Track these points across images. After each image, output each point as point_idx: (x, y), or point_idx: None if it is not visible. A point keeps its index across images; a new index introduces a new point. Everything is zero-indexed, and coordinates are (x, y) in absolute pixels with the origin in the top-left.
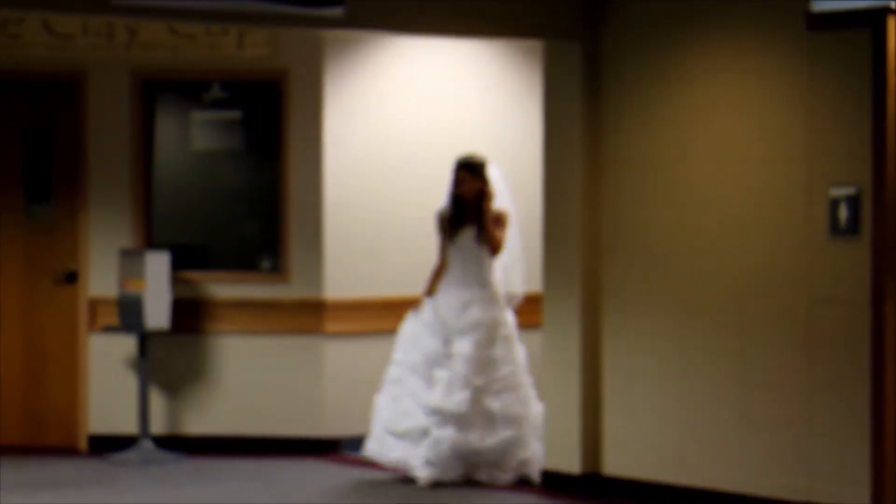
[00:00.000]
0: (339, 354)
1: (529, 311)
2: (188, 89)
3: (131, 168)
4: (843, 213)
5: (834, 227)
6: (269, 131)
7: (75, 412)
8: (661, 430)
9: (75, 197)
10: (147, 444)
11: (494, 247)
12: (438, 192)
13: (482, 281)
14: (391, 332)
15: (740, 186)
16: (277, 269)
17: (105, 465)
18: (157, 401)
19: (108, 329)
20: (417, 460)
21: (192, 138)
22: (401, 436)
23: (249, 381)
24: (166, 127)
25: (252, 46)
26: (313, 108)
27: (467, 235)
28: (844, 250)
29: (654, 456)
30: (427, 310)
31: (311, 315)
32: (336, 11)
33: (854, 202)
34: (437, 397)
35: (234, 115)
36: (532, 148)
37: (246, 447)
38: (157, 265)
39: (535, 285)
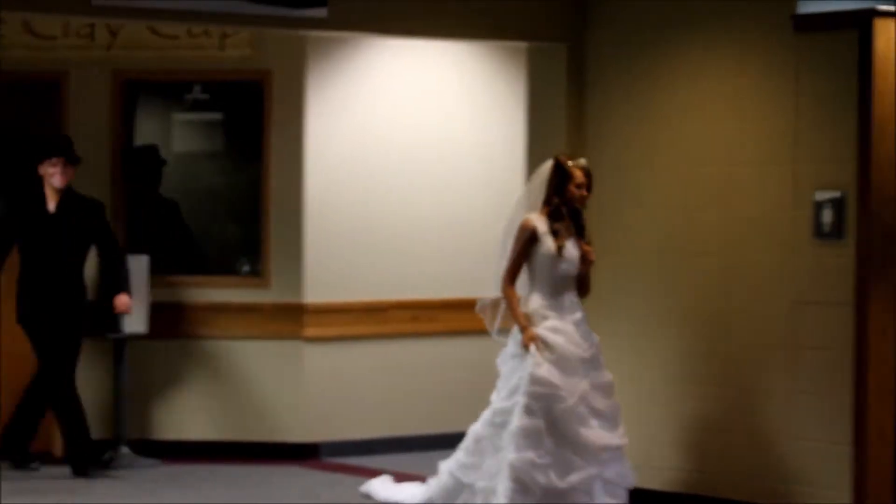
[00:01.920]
0: (318, 359)
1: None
2: (169, 90)
3: (110, 168)
4: (828, 216)
5: (818, 230)
6: (250, 133)
7: (50, 418)
8: (640, 432)
9: None
10: (124, 450)
11: (591, 258)
12: (421, 196)
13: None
14: (372, 336)
15: (726, 188)
16: (257, 273)
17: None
18: (133, 406)
19: (86, 333)
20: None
21: (173, 140)
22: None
23: (228, 386)
24: (147, 128)
25: (234, 47)
26: (295, 109)
27: (570, 247)
28: (828, 253)
29: (637, 457)
30: (551, 346)
31: (290, 319)
32: (319, 13)
33: (839, 206)
34: (604, 436)
35: (216, 116)
36: (515, 149)
37: (224, 452)
38: (136, 269)
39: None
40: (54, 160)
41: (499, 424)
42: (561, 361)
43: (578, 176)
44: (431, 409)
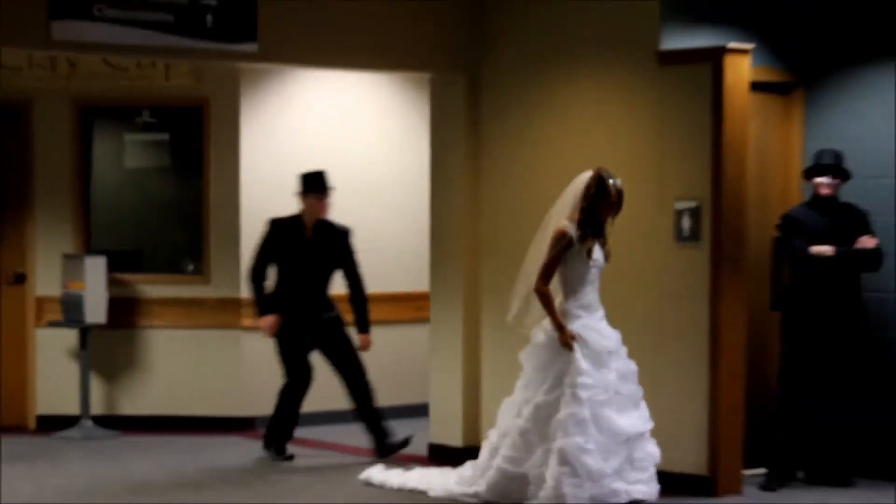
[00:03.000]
0: (253, 345)
1: (418, 307)
2: (121, 115)
3: (72, 183)
4: (687, 222)
5: (679, 234)
6: (193, 152)
7: (24, 396)
8: None
9: (22, 209)
10: (87, 423)
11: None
12: (339, 205)
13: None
14: None
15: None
16: (200, 272)
17: (51, 441)
18: (95, 385)
19: (53, 324)
20: (643, 486)
21: (125, 157)
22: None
23: (176, 368)
24: (102, 147)
25: (177, 77)
26: (231, 131)
27: (597, 252)
28: (687, 254)
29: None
30: (585, 341)
31: (229, 312)
32: (250, 47)
33: (695, 214)
34: (635, 422)
35: (162, 137)
36: (421, 166)
37: (174, 425)
38: (95, 268)
39: (424, 285)
40: (320, 195)
41: (543, 418)
42: (594, 356)
43: (613, 194)
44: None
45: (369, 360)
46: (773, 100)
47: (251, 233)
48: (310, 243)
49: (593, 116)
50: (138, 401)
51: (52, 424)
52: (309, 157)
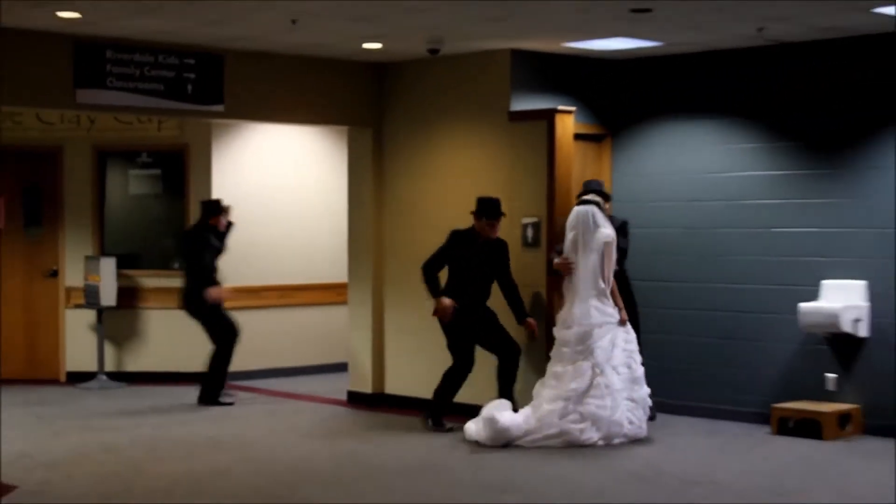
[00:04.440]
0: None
1: (339, 293)
2: (127, 156)
3: (91, 205)
4: (530, 233)
5: (525, 241)
6: (177, 182)
7: (57, 358)
8: (418, 364)
9: (56, 223)
10: (103, 377)
11: None
12: (285, 223)
13: None
14: (255, 307)
15: (468, 216)
16: (182, 268)
17: (77, 391)
18: (108, 350)
19: (78, 306)
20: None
21: (129, 186)
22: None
23: (165, 337)
24: (113, 179)
25: (166, 129)
26: (205, 167)
27: None
28: (530, 255)
29: (413, 380)
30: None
31: None
32: (219, 108)
33: (536, 227)
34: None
35: (156, 172)
36: (341, 192)
37: (166, 379)
38: (108, 266)
39: (343, 277)
40: (492, 220)
41: (622, 374)
42: None
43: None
44: (295, 350)
45: (305, 332)
46: (590, 145)
47: None
48: (479, 252)
49: (463, 157)
50: (139, 361)
51: (77, 378)
52: (262, 187)
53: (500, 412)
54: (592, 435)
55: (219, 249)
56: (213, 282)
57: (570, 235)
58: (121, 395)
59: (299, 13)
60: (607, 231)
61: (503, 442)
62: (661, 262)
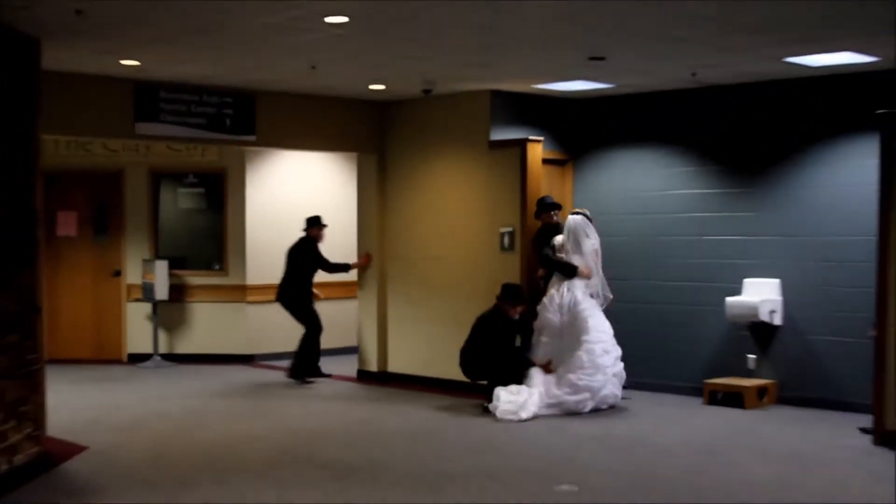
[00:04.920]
0: (253, 312)
1: (350, 289)
2: (177, 177)
3: (147, 217)
4: (506, 240)
5: (502, 247)
6: (218, 199)
7: (120, 342)
8: (415, 347)
9: (119, 231)
10: (157, 358)
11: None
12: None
13: None
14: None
15: (457, 227)
16: (222, 269)
17: (136, 369)
18: (161, 336)
19: (137, 300)
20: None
21: (179, 202)
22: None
23: (208, 325)
24: (165, 196)
25: (209, 155)
26: (240, 187)
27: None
28: (507, 259)
29: (413, 360)
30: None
31: (239, 292)
32: (252, 138)
33: (511, 235)
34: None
35: (200, 190)
36: (351, 206)
37: (208, 360)
38: (161, 267)
39: (354, 276)
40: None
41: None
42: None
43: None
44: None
45: (323, 321)
46: (556, 169)
47: (253, 246)
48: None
49: (450, 178)
50: (187, 344)
51: (137, 359)
52: (287, 204)
53: (517, 391)
54: (588, 404)
55: (315, 257)
56: (308, 282)
57: (565, 237)
58: (172, 372)
59: (318, 61)
60: (593, 241)
61: (524, 416)
62: (614, 264)
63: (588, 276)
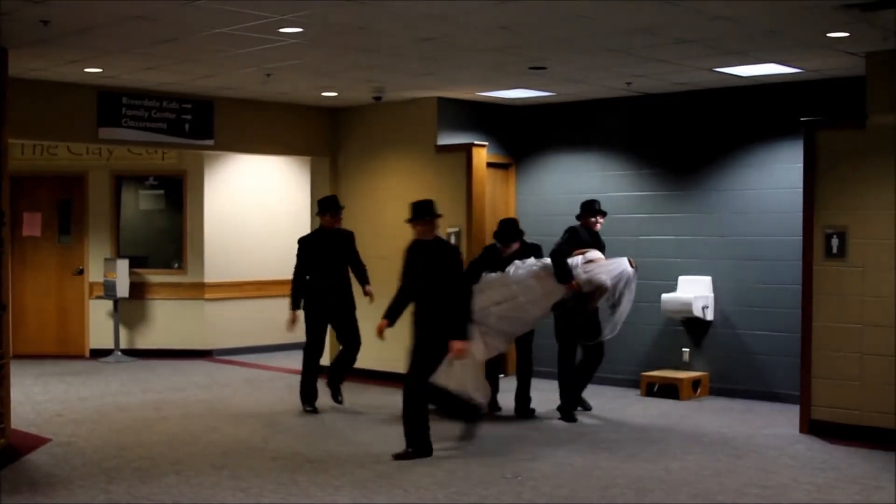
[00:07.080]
0: (211, 308)
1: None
2: (138, 180)
3: (110, 218)
4: (453, 239)
5: None
6: (178, 200)
7: (83, 338)
8: (364, 343)
9: (82, 231)
10: (119, 353)
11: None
12: (261, 230)
13: None
14: (236, 298)
15: (405, 226)
16: (181, 267)
17: (98, 364)
18: (122, 332)
19: (99, 297)
20: None
21: (140, 203)
22: None
23: (169, 321)
24: (127, 198)
25: (169, 158)
26: (199, 189)
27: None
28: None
29: (362, 355)
30: None
31: (197, 289)
32: (210, 142)
33: (458, 235)
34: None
35: (160, 192)
36: (305, 208)
37: (167, 355)
38: (122, 266)
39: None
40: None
41: None
42: None
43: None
44: (266, 332)
45: (277, 315)
46: (499, 171)
47: (211, 245)
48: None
49: (399, 181)
50: (147, 340)
51: (98, 354)
52: (244, 205)
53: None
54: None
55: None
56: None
57: (613, 273)
58: (133, 367)
59: (273, 70)
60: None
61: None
62: None
63: (572, 291)
